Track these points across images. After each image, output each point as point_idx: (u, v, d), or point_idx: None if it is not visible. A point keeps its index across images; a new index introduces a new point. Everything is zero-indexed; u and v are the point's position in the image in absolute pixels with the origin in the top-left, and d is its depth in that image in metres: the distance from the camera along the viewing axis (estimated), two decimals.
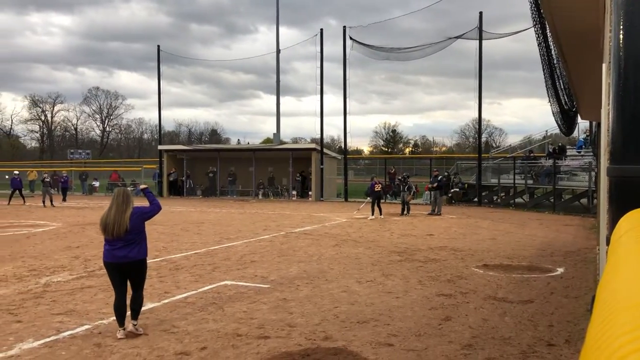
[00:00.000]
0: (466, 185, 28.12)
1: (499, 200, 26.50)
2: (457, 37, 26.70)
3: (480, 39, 25.78)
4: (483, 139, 46.31)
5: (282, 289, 7.90)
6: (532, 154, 27.44)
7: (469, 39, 26.32)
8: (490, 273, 9.27)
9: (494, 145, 70.34)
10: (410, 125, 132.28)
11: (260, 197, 31.38)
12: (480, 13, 25.74)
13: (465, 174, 30.87)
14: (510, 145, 38.05)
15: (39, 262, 10.03)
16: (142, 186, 6.49)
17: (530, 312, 6.74)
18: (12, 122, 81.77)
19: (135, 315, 5.74)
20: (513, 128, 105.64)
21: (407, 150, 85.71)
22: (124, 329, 5.60)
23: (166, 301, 7.15)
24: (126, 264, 5.63)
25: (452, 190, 26.84)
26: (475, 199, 26.60)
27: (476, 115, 27.46)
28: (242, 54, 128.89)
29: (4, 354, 5.12)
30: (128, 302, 5.81)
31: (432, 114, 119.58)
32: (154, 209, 5.98)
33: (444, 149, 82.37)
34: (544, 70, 13.35)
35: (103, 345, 5.30)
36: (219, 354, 5.18)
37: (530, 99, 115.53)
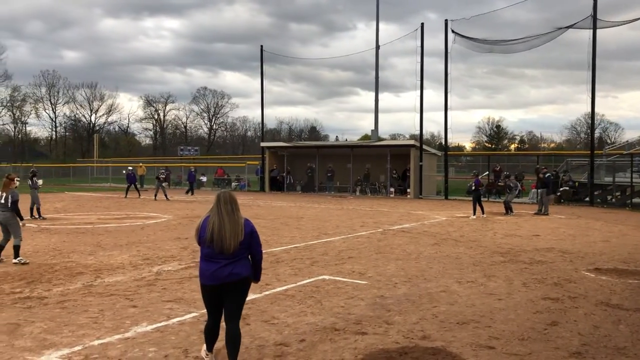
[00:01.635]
0: (576, 183, 26.51)
1: (613, 200, 24.70)
2: (568, 27, 25.16)
3: (595, 28, 24.11)
4: (596, 135, 43.44)
5: (379, 286, 7.88)
6: None
7: (581, 29, 24.70)
8: (602, 277, 8.67)
9: (608, 141, 65.85)
10: (515, 120, 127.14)
11: (357, 193, 31.48)
12: (595, 0, 24.11)
13: (575, 172, 29.13)
14: (627, 141, 35.35)
15: (152, 252, 10.75)
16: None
17: None
18: (129, 121, 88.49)
19: (234, 357, 4.59)
20: (631, 123, 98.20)
21: (512, 146, 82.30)
22: (212, 354, 4.82)
23: (267, 293, 7.38)
24: (231, 283, 4.56)
25: (561, 189, 25.38)
26: (587, 199, 24.96)
27: (588, 109, 25.75)
28: (340, 51, 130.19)
29: (121, 335, 5.54)
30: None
31: (538, 108, 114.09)
32: (261, 253, 4.83)
33: (552, 145, 78.20)
34: None
35: None
36: (317, 347, 5.27)
37: None
